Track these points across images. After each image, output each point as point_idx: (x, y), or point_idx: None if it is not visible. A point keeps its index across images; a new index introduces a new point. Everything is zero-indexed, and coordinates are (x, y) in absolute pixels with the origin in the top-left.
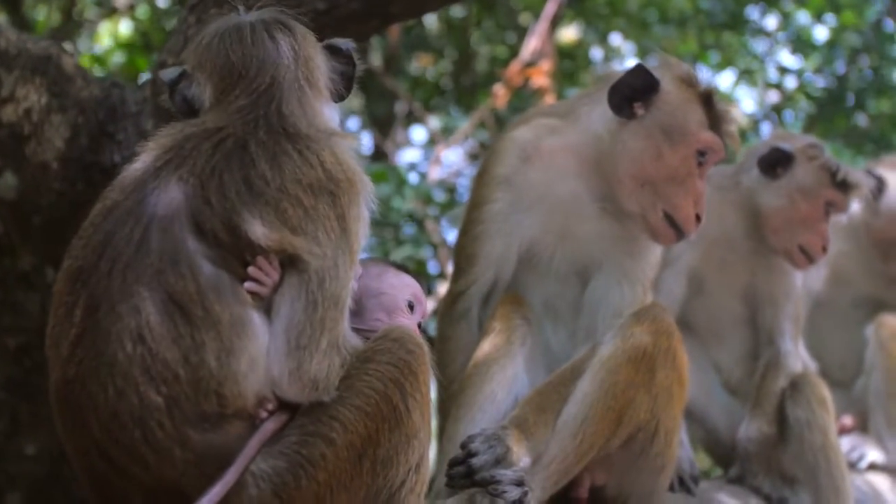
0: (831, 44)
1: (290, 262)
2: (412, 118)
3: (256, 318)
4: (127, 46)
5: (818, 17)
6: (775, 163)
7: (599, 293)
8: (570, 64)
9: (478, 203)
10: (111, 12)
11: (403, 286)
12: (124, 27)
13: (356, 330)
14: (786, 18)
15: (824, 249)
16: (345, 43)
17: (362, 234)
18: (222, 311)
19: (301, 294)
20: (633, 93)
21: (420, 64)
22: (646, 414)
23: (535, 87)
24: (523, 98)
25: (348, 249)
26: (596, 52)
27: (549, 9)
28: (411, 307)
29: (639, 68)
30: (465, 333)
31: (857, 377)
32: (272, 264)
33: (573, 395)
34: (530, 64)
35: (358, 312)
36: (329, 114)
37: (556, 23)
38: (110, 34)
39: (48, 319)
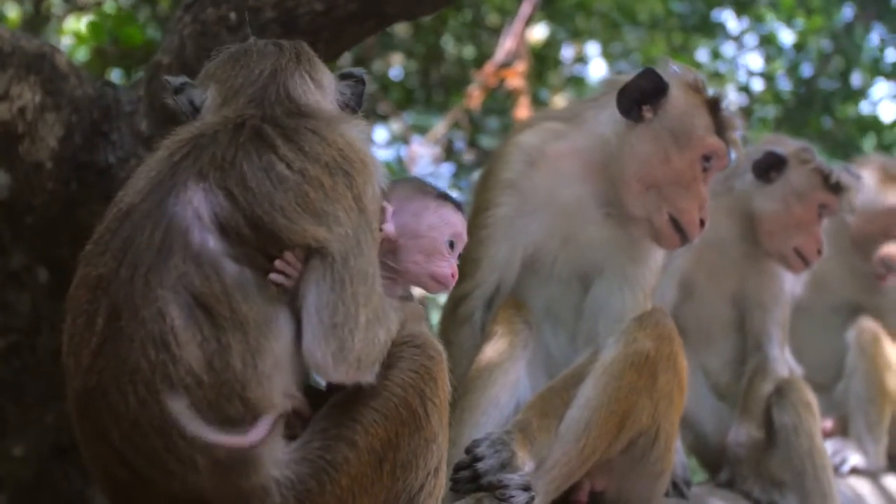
0: (798, 47)
1: (311, 252)
2: (380, 118)
3: (282, 315)
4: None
5: (788, 21)
6: (769, 167)
7: (601, 298)
8: (538, 64)
9: (483, 207)
10: (78, 8)
11: (443, 225)
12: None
13: (389, 269)
14: (757, 21)
15: (819, 252)
16: (357, 70)
17: (378, 214)
18: (249, 310)
19: (326, 275)
20: (641, 96)
21: (386, 63)
22: (647, 419)
23: (509, 88)
24: (498, 99)
25: (368, 228)
26: (565, 53)
27: (525, 9)
28: (451, 246)
29: (648, 72)
30: (468, 338)
31: (838, 381)
32: (297, 257)
33: (576, 400)
34: (505, 65)
35: (393, 251)
36: (335, 110)
37: (527, 23)
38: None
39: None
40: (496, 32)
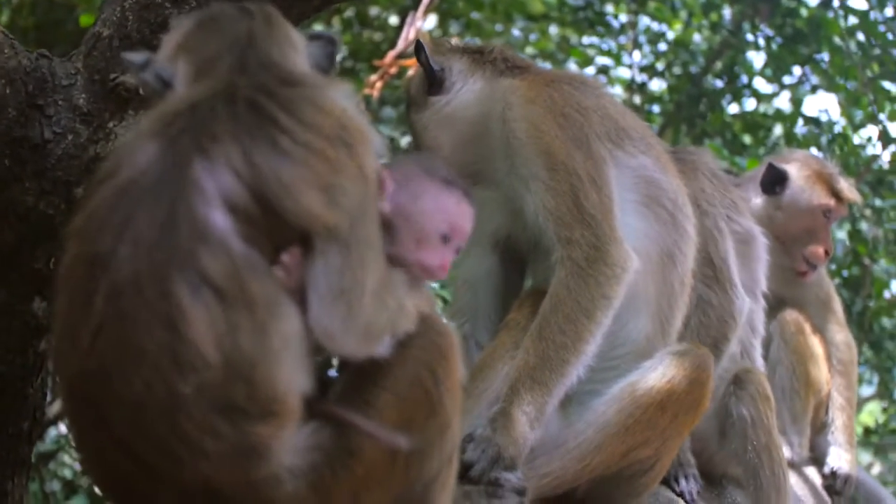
0: (681, 43)
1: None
2: None
3: (289, 298)
4: None
5: (689, 18)
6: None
7: (530, 213)
8: None
9: None
10: None
11: (439, 214)
12: None
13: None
14: (654, 20)
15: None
16: (326, 32)
17: (377, 182)
18: (258, 289)
19: (332, 243)
20: None
21: None
22: (651, 452)
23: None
24: (396, 88)
25: (371, 197)
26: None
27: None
28: (445, 239)
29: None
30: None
31: None
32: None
33: (594, 419)
34: (404, 55)
35: (387, 230)
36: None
37: (426, 13)
38: None
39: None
40: (379, 26)
